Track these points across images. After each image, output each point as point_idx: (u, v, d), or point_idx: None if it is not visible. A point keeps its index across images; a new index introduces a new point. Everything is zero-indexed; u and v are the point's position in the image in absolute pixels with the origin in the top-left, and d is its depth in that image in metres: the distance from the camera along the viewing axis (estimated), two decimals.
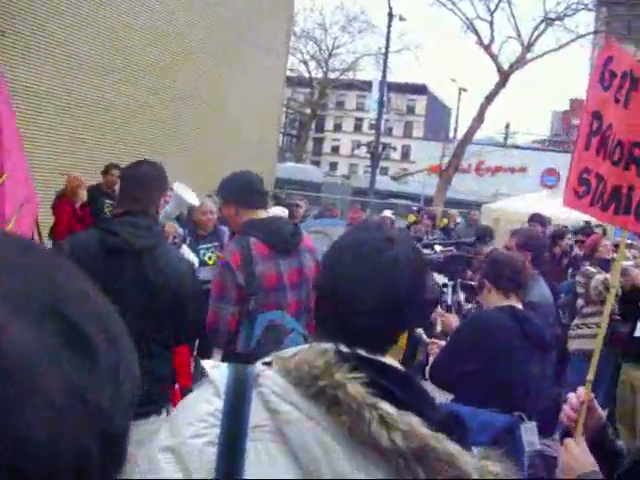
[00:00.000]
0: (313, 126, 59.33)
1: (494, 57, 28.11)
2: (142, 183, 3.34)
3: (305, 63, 47.03)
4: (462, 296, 5.82)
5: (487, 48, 28.24)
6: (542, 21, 27.87)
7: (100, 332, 0.55)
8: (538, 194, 23.05)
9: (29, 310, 0.50)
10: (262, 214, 3.91)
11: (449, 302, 5.80)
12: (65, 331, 0.51)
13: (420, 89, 64.85)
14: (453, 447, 1.23)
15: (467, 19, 28.64)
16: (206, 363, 1.38)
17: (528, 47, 27.81)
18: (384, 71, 28.02)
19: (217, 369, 1.36)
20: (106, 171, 9.03)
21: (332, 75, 48.04)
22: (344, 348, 1.32)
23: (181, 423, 1.30)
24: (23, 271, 0.54)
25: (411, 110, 66.89)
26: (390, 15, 28.02)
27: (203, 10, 20.11)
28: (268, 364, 1.34)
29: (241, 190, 3.90)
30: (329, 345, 1.33)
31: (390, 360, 1.41)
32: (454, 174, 28.82)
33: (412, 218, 16.67)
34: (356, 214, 16.48)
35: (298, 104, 56.64)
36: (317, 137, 68.07)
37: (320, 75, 48.46)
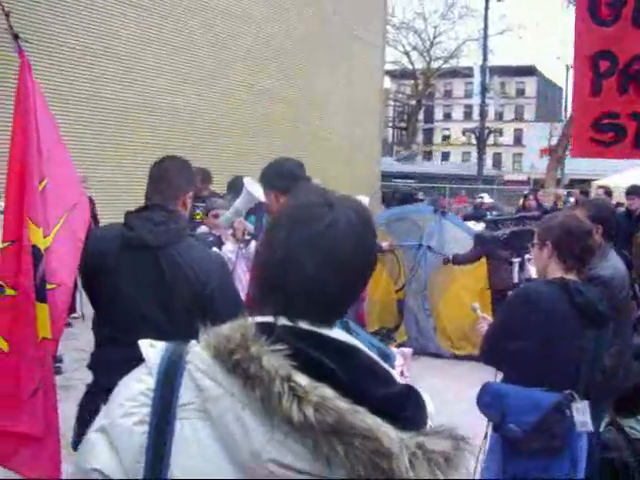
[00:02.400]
0: (422, 117, 58.73)
1: None
2: (163, 178, 3.34)
3: (407, 54, 46.59)
4: (532, 271, 5.53)
5: None
6: None
7: None
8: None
9: None
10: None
11: (516, 280, 5.54)
12: None
13: (528, 71, 63.15)
14: (373, 421, 1.17)
15: None
16: (142, 342, 1.36)
17: None
18: (484, 54, 27.42)
19: (152, 348, 1.35)
20: None
21: (435, 64, 47.48)
22: (284, 321, 1.28)
23: (113, 403, 1.32)
24: None
25: (521, 93, 65.27)
26: None
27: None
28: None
29: (281, 177, 3.85)
30: (251, 319, 1.29)
31: (337, 332, 1.34)
32: (564, 153, 27.81)
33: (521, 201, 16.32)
34: (460, 202, 16.27)
35: (406, 96, 56.19)
36: (427, 128, 67.42)
37: (423, 65, 47.98)
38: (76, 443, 3.04)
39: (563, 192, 13.99)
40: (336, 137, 23.77)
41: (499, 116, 59.16)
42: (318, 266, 1.33)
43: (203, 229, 6.17)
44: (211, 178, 8.16)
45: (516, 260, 6.04)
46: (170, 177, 3.35)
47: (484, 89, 27.41)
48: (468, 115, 69.77)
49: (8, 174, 3.46)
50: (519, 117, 63.68)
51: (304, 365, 1.21)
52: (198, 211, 8.93)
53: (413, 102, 50.42)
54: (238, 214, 5.91)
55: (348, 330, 2.57)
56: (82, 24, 14.43)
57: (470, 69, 50.76)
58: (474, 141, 44.53)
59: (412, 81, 49.01)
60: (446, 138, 71.03)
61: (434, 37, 46.06)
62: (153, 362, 1.31)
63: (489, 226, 9.09)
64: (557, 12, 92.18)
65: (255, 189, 5.88)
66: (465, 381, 6.28)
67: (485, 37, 27.41)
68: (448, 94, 67.00)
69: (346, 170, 22.82)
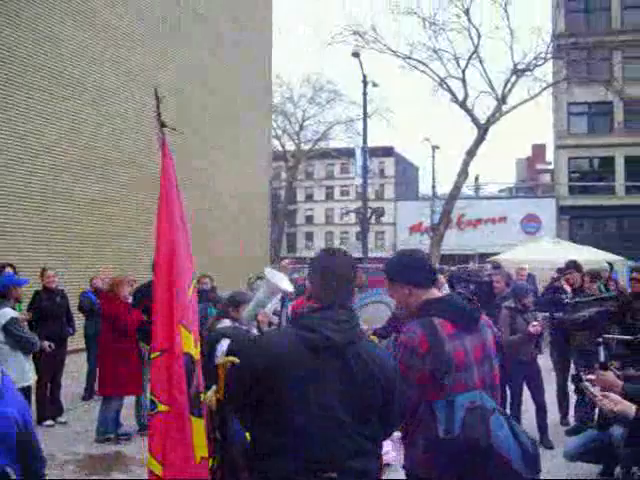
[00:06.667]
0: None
1: (470, 112, 28.55)
2: (343, 275, 3.16)
3: (277, 137, 47.39)
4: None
5: (462, 104, 28.70)
6: (512, 73, 28.43)
7: None
8: (540, 241, 23.21)
9: None
10: (436, 292, 3.76)
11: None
12: None
13: (388, 151, 65.59)
14: None
15: (439, 78, 29.18)
16: None
17: (503, 100, 28.31)
18: (364, 137, 28.21)
19: None
20: None
21: (305, 146, 48.52)
22: None
23: None
24: None
25: (381, 172, 67.55)
26: (364, 82, 28.36)
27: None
28: None
29: (413, 270, 3.73)
30: None
31: None
32: (445, 230, 28.88)
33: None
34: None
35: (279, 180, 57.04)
36: (290, 209, 68.34)
37: (293, 147, 48.95)
38: None
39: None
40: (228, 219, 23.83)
41: (360, 196, 60.72)
42: None
43: (226, 322, 5.84)
44: None
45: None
46: (347, 274, 3.18)
47: (366, 170, 28.08)
48: (330, 196, 71.42)
49: (156, 276, 3.13)
50: (381, 196, 65.65)
51: None
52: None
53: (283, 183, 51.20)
54: (261, 306, 5.64)
55: None
56: None
57: (339, 151, 52.42)
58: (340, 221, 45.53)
59: (282, 163, 49.83)
60: (309, 219, 72.09)
61: (303, 120, 47.20)
62: None
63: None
64: (419, 97, 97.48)
65: (279, 280, 5.64)
66: None
67: (365, 121, 28.25)
68: (309, 176, 68.26)
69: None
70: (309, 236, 70.27)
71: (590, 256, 18.20)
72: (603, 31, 36.55)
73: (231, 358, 4.10)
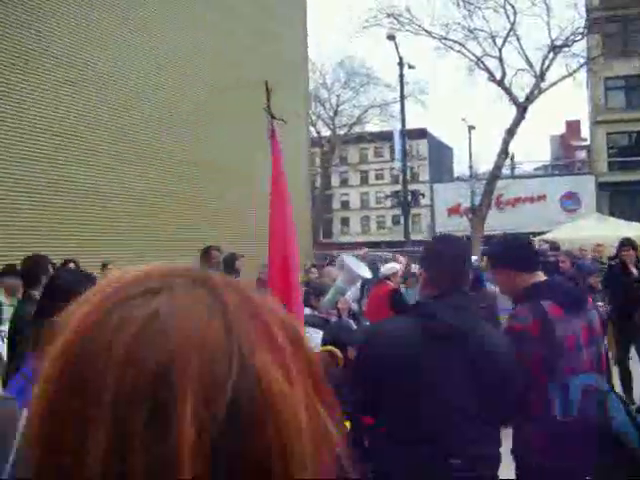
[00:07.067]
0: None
1: (509, 91, 28.29)
2: (457, 260, 3.18)
3: (313, 124, 47.41)
4: None
5: (500, 83, 28.45)
6: (550, 49, 28.08)
7: None
8: (586, 219, 22.99)
9: None
10: (542, 276, 3.78)
11: None
12: None
13: (421, 133, 65.23)
14: None
15: (476, 57, 28.93)
16: None
17: (541, 76, 27.98)
18: (403, 120, 28.06)
19: None
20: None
21: (340, 131, 48.45)
22: None
23: None
24: None
25: (416, 154, 67.25)
26: (401, 65, 28.20)
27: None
28: None
29: (518, 253, 3.76)
30: None
31: None
32: (487, 211, 28.67)
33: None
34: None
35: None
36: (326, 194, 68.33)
37: (328, 133, 48.90)
38: None
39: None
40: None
41: (395, 178, 60.45)
42: None
43: (306, 311, 5.90)
44: None
45: None
46: (462, 258, 3.19)
47: (404, 153, 27.98)
48: (364, 180, 71.27)
49: (270, 266, 3.17)
50: (416, 178, 65.37)
51: None
52: None
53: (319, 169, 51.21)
54: (341, 294, 5.68)
55: None
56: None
57: (376, 135, 52.17)
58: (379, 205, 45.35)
59: (317, 149, 49.90)
60: (345, 204, 71.99)
61: (337, 105, 47.12)
62: None
63: None
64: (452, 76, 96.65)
65: (358, 266, 5.66)
66: None
67: (402, 104, 28.10)
68: (343, 160, 68.16)
69: None
70: (345, 221, 70.21)
71: (638, 232, 18.01)
72: (638, 3, 35.95)
73: (329, 347, 4.14)
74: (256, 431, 0.61)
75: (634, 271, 9.53)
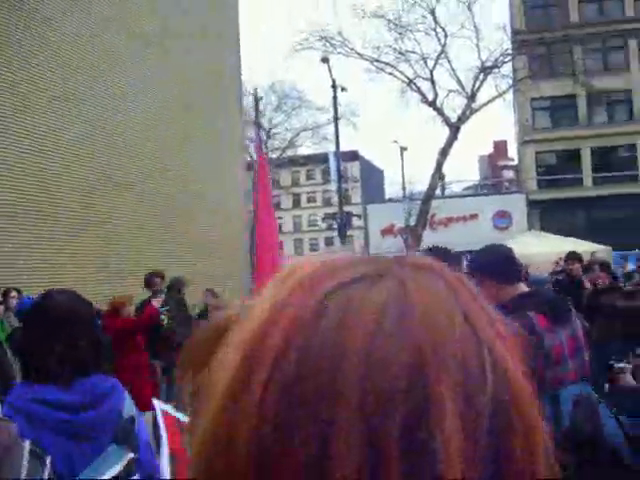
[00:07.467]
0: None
1: (441, 112, 28.62)
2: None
3: (245, 148, 47.14)
4: None
5: (432, 104, 28.77)
6: (480, 71, 28.56)
7: None
8: (525, 236, 23.33)
9: None
10: (524, 287, 3.71)
11: None
12: None
13: (353, 156, 65.70)
14: None
15: (408, 79, 29.25)
16: None
17: (472, 97, 28.42)
18: (337, 142, 28.13)
19: None
20: None
21: (273, 155, 48.34)
22: None
23: None
24: None
25: (348, 177, 67.68)
26: (334, 87, 28.28)
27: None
28: None
29: (500, 265, 3.66)
30: None
31: None
32: (423, 231, 28.88)
33: None
34: None
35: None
36: None
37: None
38: None
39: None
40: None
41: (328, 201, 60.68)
42: None
43: None
44: None
45: None
46: None
47: (340, 175, 28.00)
48: (296, 203, 71.34)
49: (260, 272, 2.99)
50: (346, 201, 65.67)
51: None
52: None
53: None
54: None
55: None
56: None
57: (306, 157, 52.18)
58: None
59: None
60: (279, 226, 71.82)
61: (270, 129, 46.89)
62: None
63: None
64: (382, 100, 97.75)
65: None
66: None
67: (336, 126, 28.14)
68: (275, 184, 68.08)
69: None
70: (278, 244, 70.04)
71: (577, 247, 18.27)
72: (561, 25, 36.95)
73: None
74: (509, 430, 0.54)
75: (587, 285, 9.61)
